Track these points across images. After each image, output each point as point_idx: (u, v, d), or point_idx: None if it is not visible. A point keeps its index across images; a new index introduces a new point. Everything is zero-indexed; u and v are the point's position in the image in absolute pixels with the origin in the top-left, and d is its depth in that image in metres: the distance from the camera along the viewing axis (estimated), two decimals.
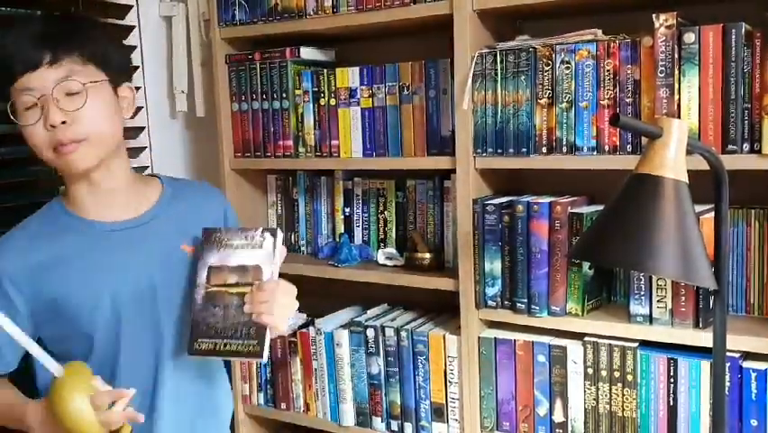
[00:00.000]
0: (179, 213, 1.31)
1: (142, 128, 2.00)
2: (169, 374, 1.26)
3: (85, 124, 1.16)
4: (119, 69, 1.25)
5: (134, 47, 1.95)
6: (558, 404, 1.57)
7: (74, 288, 1.20)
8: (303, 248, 2.01)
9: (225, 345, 1.17)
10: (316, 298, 2.03)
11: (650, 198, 1.08)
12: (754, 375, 1.38)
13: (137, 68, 1.96)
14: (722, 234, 1.18)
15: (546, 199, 1.55)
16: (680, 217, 1.08)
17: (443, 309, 1.80)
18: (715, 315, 1.21)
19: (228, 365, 1.55)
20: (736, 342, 1.37)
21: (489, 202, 1.59)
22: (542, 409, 1.59)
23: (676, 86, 1.37)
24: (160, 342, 1.25)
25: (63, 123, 1.14)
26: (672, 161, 1.09)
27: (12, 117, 1.17)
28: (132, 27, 1.96)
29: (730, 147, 1.35)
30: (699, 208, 1.42)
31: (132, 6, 1.96)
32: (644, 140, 1.40)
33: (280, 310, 1.19)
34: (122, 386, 1.14)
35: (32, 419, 1.15)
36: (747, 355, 1.41)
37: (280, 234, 1.22)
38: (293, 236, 2.03)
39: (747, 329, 1.40)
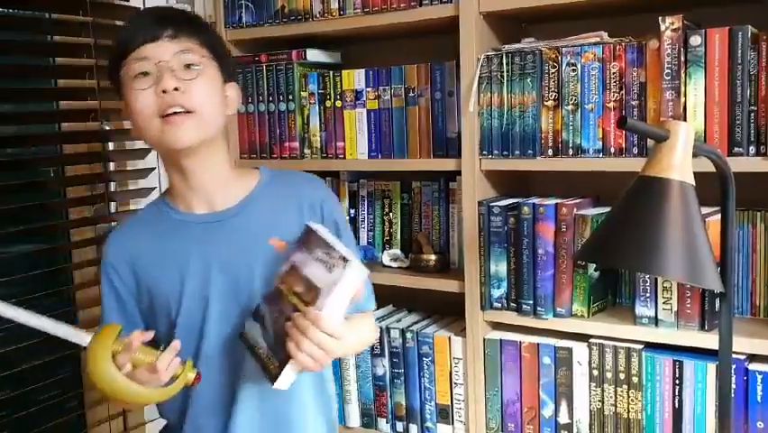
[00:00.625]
0: (272, 206, 1.27)
1: None
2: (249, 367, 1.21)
3: (195, 96, 1.17)
4: (228, 65, 1.27)
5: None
6: (563, 406, 1.58)
7: (161, 278, 1.23)
8: None
9: (260, 348, 1.10)
10: None
11: (656, 200, 1.08)
12: (759, 377, 1.38)
13: None
14: (728, 236, 1.18)
15: (552, 201, 1.55)
16: (686, 220, 1.08)
17: (448, 311, 1.81)
18: (721, 317, 1.21)
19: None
20: (742, 344, 1.37)
21: (494, 204, 1.60)
22: (547, 411, 1.59)
23: (682, 88, 1.38)
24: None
25: (176, 89, 1.15)
26: (679, 163, 1.09)
27: (117, 90, 1.22)
28: None
29: (736, 150, 1.35)
30: (705, 210, 1.42)
31: (139, 8, 1.96)
32: (650, 142, 1.40)
33: (311, 349, 1.04)
34: (205, 380, 1.17)
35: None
36: (753, 358, 1.41)
37: (354, 268, 1.01)
38: None
39: (753, 331, 1.40)
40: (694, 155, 1.10)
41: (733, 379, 1.40)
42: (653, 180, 1.09)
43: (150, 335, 1.12)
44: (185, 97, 1.15)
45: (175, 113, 1.15)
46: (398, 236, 1.88)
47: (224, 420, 1.23)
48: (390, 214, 1.89)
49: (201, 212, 1.25)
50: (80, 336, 1.09)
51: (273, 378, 1.06)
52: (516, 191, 1.69)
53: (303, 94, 1.86)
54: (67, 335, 1.10)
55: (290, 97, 1.87)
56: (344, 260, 1.02)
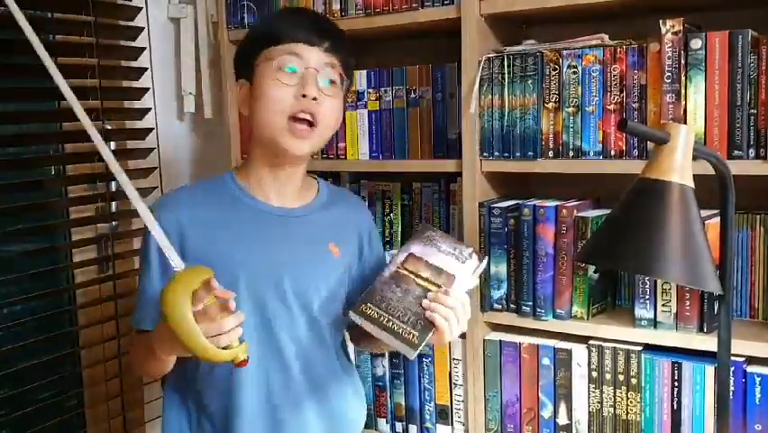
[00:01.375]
0: (333, 215, 1.36)
1: (150, 129, 2.00)
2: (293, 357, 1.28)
3: (325, 112, 1.24)
4: (349, 86, 1.36)
5: (143, 48, 1.96)
6: (562, 407, 1.58)
7: (218, 253, 1.22)
8: None
9: (388, 321, 1.19)
10: None
11: (656, 202, 1.09)
12: (758, 380, 1.38)
13: (146, 69, 1.96)
14: (728, 239, 1.19)
15: (552, 203, 1.56)
16: (686, 222, 1.09)
17: None
18: (720, 320, 1.21)
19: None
20: (741, 346, 1.37)
21: (495, 205, 1.60)
22: (546, 412, 1.60)
23: (682, 91, 1.38)
24: (291, 325, 1.28)
25: (314, 99, 1.21)
26: (679, 165, 1.09)
27: (249, 73, 1.26)
28: (141, 29, 1.97)
29: (736, 153, 1.36)
30: (704, 213, 1.42)
31: (142, 8, 1.97)
32: (650, 145, 1.41)
33: (453, 323, 1.20)
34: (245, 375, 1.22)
35: (154, 336, 1.15)
36: (751, 360, 1.42)
37: (484, 263, 1.29)
38: None
39: (751, 334, 1.40)
40: (694, 158, 1.11)
41: (731, 381, 1.40)
42: (653, 183, 1.10)
43: (231, 294, 1.09)
44: (318, 109, 1.22)
45: (303, 119, 1.21)
46: (399, 237, 1.88)
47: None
48: (391, 214, 1.89)
49: (277, 204, 1.31)
50: (177, 260, 1.09)
51: (414, 347, 1.18)
52: (517, 193, 1.69)
53: None
54: (168, 250, 1.09)
55: None
56: (479, 256, 1.28)
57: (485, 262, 1.29)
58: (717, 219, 1.30)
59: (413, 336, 1.18)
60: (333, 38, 1.26)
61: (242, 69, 1.29)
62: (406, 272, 1.25)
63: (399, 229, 1.88)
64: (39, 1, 1.79)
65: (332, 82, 1.25)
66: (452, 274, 1.24)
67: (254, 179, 1.31)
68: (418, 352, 1.18)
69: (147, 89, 1.97)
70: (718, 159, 1.17)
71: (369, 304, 1.21)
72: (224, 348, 1.05)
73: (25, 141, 1.85)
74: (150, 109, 1.99)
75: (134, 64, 1.97)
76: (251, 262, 1.24)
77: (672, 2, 1.43)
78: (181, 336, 1.02)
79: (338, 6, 1.74)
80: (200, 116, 2.16)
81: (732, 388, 1.40)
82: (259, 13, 1.87)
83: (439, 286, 1.22)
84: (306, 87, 1.20)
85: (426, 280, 1.24)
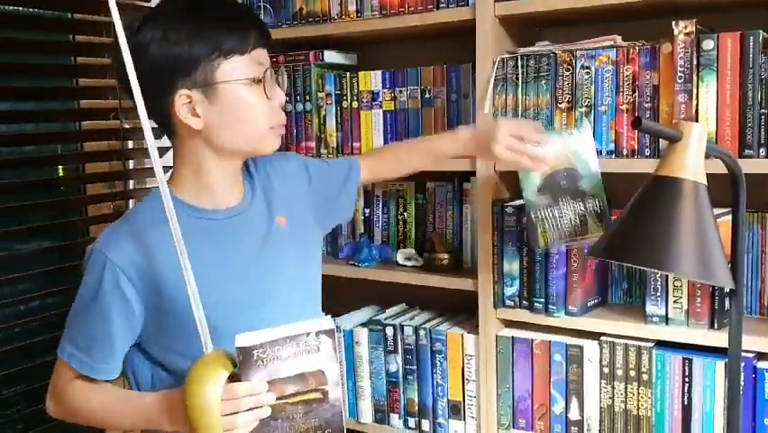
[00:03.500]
0: (266, 189, 1.31)
1: None
2: None
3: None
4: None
5: None
6: (574, 403, 1.60)
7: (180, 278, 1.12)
8: (324, 248, 2.05)
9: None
10: (337, 297, 2.07)
11: (670, 199, 1.11)
12: None
13: None
14: (739, 236, 1.21)
15: None
16: (698, 218, 1.11)
17: (460, 309, 1.83)
18: (731, 316, 1.23)
19: None
20: (751, 342, 1.39)
21: (508, 204, 1.63)
22: (558, 408, 1.62)
23: (694, 91, 1.41)
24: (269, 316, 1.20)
25: (279, 104, 1.22)
26: (692, 163, 1.12)
27: (202, 84, 1.13)
28: None
29: (747, 152, 1.38)
30: (716, 211, 1.45)
31: None
32: (662, 144, 1.43)
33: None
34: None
35: (160, 406, 1.10)
36: (761, 356, 1.44)
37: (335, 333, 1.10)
38: None
39: (762, 330, 1.42)
40: (706, 156, 1.14)
41: (741, 377, 1.42)
42: (667, 180, 1.12)
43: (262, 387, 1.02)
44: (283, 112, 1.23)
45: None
46: (413, 236, 1.91)
47: None
48: (405, 214, 1.92)
49: (221, 207, 1.23)
50: (207, 340, 1.02)
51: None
52: None
53: (320, 95, 1.89)
54: (204, 331, 1.02)
55: (307, 98, 1.91)
56: (327, 333, 1.03)
57: (335, 331, 1.12)
58: (729, 217, 1.33)
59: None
60: (269, 33, 1.22)
61: (181, 79, 1.13)
62: (274, 399, 1.03)
63: (413, 228, 1.91)
64: (59, 1, 1.83)
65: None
66: (318, 370, 1.03)
67: (201, 189, 1.21)
68: None
69: None
70: (731, 157, 1.19)
71: None
72: None
73: (45, 139, 1.89)
74: None
75: None
76: (209, 283, 1.12)
77: (686, 3, 1.45)
78: (196, 425, 0.99)
79: (354, 8, 1.77)
80: None
81: (742, 383, 1.42)
82: (275, 14, 1.90)
83: (316, 390, 1.04)
84: (282, 98, 1.21)
85: (297, 394, 1.04)
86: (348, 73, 1.86)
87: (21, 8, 1.81)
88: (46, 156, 1.91)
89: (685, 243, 1.09)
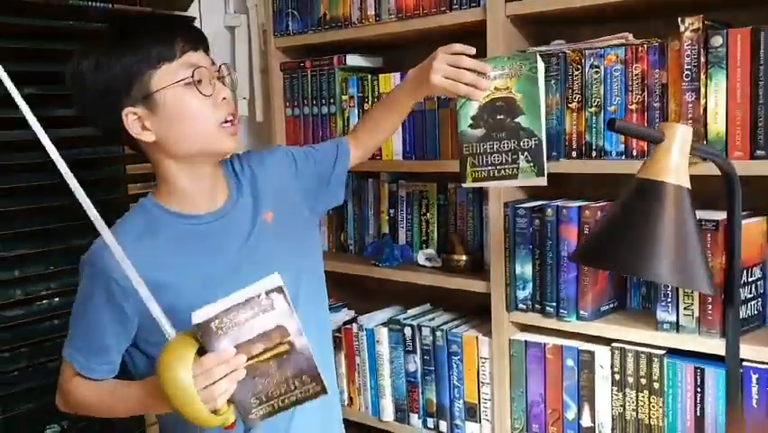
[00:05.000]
0: (252, 187, 1.34)
1: None
2: None
3: (233, 102, 1.25)
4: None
5: None
6: (586, 409, 1.57)
7: (181, 284, 1.18)
8: (351, 247, 2.08)
9: (283, 400, 1.12)
10: (363, 295, 2.11)
11: (651, 202, 1.08)
12: None
13: None
14: (735, 238, 1.16)
15: (575, 204, 1.55)
16: (680, 223, 1.07)
17: (481, 311, 1.82)
18: (728, 324, 1.19)
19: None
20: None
21: (519, 206, 1.61)
22: (570, 414, 1.59)
23: (702, 90, 1.35)
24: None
25: (224, 99, 1.22)
26: (674, 166, 1.08)
27: (141, 101, 1.18)
28: None
29: (758, 152, 1.32)
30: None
31: (196, 18, 2.09)
32: None
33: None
34: None
35: (142, 394, 1.16)
36: None
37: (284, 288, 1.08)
38: (342, 235, 2.10)
39: None
40: (704, 158, 1.09)
41: (755, 389, 1.36)
42: (648, 183, 1.09)
43: (230, 352, 1.06)
44: (232, 105, 1.24)
45: (230, 121, 1.22)
46: (435, 236, 1.92)
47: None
48: (427, 214, 1.93)
49: (207, 211, 1.27)
50: (168, 328, 1.07)
51: (324, 391, 1.12)
52: (546, 193, 1.69)
53: (344, 97, 1.93)
54: (163, 322, 1.07)
55: (332, 101, 1.95)
56: (276, 289, 1.05)
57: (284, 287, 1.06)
58: (751, 220, 1.29)
59: (312, 388, 1.12)
60: (202, 36, 1.25)
61: (122, 98, 1.18)
62: (244, 360, 1.07)
63: (436, 229, 1.91)
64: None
65: (219, 74, 1.25)
66: (278, 326, 1.07)
67: (180, 196, 1.25)
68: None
69: None
70: (722, 158, 1.15)
71: (253, 411, 1.12)
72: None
73: (90, 142, 2.00)
74: None
75: None
76: (207, 290, 1.13)
77: None
78: (178, 406, 1.03)
79: (372, 12, 1.80)
80: (253, 120, 2.26)
81: (756, 396, 1.36)
82: (302, 20, 1.95)
83: (282, 343, 1.08)
84: (223, 91, 1.21)
85: (265, 351, 1.08)
86: (369, 76, 1.89)
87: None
88: (91, 158, 2.02)
89: (664, 248, 1.06)
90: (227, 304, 1.05)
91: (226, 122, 1.22)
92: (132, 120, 1.19)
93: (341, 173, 1.48)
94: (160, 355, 1.05)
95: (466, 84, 1.29)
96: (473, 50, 1.30)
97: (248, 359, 1.07)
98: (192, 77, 1.18)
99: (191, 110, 1.19)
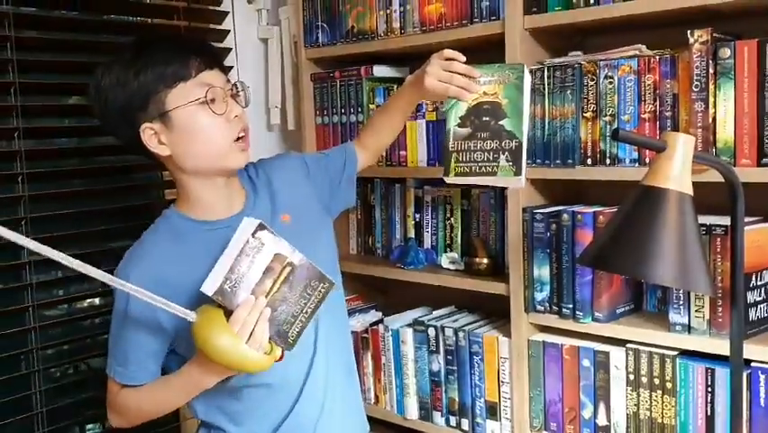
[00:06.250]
0: (269, 191, 1.41)
1: None
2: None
3: (246, 120, 1.32)
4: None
5: (231, 67, 2.19)
6: (602, 408, 1.62)
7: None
8: (378, 250, 2.16)
9: (306, 312, 1.21)
10: (391, 297, 2.19)
11: (653, 209, 1.14)
12: None
13: None
14: (738, 243, 1.21)
15: (590, 209, 1.61)
16: (681, 227, 1.13)
17: (503, 313, 1.88)
18: (732, 327, 1.23)
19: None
20: None
21: (537, 211, 1.67)
22: (587, 413, 1.64)
23: (711, 100, 1.40)
24: None
25: (236, 117, 1.29)
26: (677, 174, 1.14)
27: (157, 118, 1.25)
28: (230, 49, 2.19)
29: (765, 160, 1.36)
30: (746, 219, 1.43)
31: (230, 31, 2.20)
32: None
33: None
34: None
35: (194, 374, 1.23)
36: None
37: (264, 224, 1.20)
38: (370, 239, 2.18)
39: None
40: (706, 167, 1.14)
41: (764, 389, 1.40)
42: (652, 190, 1.15)
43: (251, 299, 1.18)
44: (244, 121, 1.31)
45: (241, 137, 1.29)
46: (458, 240, 1.98)
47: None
48: (451, 219, 1.99)
49: (225, 216, 1.33)
50: (186, 312, 1.16)
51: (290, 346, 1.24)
52: (567, 199, 1.74)
53: (371, 106, 2.01)
54: (178, 311, 1.17)
55: (360, 110, 2.03)
56: (258, 227, 1.17)
57: (263, 223, 1.19)
58: (759, 226, 1.33)
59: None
60: (219, 58, 1.33)
61: (140, 114, 1.26)
62: (269, 298, 1.19)
63: (459, 233, 1.98)
64: (136, 9, 2.03)
65: (234, 96, 1.30)
66: (275, 257, 1.19)
67: (200, 206, 1.32)
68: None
69: None
70: (725, 166, 1.20)
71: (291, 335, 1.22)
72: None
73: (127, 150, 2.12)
74: None
75: None
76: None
77: (722, 7, 1.43)
78: (237, 365, 1.16)
79: (398, 24, 1.87)
80: (285, 128, 2.35)
81: (763, 396, 1.40)
82: (331, 32, 2.03)
83: (284, 268, 1.19)
84: (234, 110, 1.27)
85: (275, 282, 1.19)
86: (395, 86, 1.96)
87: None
88: (131, 164, 2.13)
89: (666, 252, 1.11)
90: (227, 265, 1.17)
91: (238, 138, 1.29)
92: (150, 135, 1.27)
93: (351, 174, 1.56)
94: (197, 335, 1.15)
95: (457, 86, 1.36)
96: (464, 58, 1.38)
97: (266, 296, 1.18)
98: (206, 96, 1.25)
99: (204, 128, 1.26)
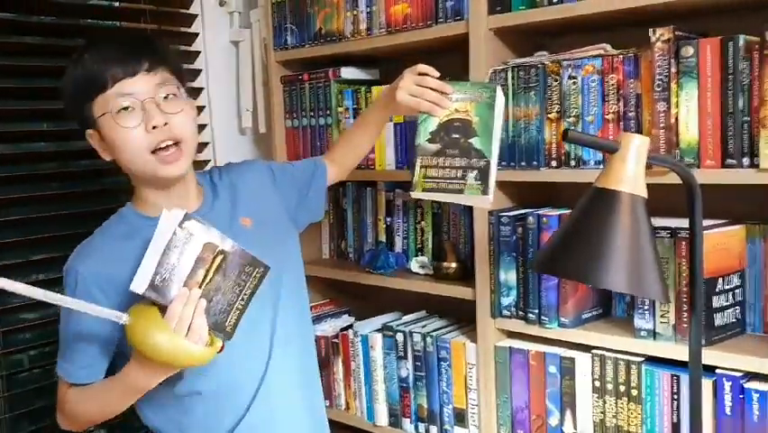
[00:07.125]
0: (231, 194, 1.39)
1: (206, 143, 2.19)
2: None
3: (181, 128, 1.25)
4: (187, 86, 1.38)
5: (200, 70, 2.16)
6: (568, 415, 1.58)
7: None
8: (351, 255, 2.13)
9: (242, 299, 1.19)
10: (364, 302, 2.15)
11: (605, 212, 1.11)
12: (756, 396, 1.33)
13: (201, 89, 2.16)
14: (697, 246, 1.17)
15: (557, 212, 1.57)
16: (634, 231, 1.09)
17: (473, 318, 1.84)
18: (690, 332, 1.20)
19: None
20: (743, 362, 1.34)
21: (503, 214, 1.64)
22: (553, 420, 1.61)
23: (673, 99, 1.37)
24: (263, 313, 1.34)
25: (165, 124, 1.23)
26: (630, 175, 1.11)
27: (80, 122, 1.27)
28: (198, 53, 2.16)
29: (729, 161, 1.33)
30: (710, 222, 1.40)
31: (199, 34, 2.17)
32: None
33: None
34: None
35: (132, 376, 1.20)
36: (754, 376, 1.36)
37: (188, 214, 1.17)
38: (342, 243, 2.15)
39: (758, 349, 1.36)
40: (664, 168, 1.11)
41: (728, 397, 1.36)
42: (604, 192, 1.12)
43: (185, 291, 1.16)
44: (173, 131, 1.24)
45: (166, 146, 1.23)
46: (429, 244, 1.95)
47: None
48: (422, 222, 1.96)
49: None
50: (116, 315, 1.13)
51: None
52: (535, 202, 1.71)
53: (339, 109, 1.98)
54: (107, 315, 1.14)
55: (328, 113, 2.00)
56: (185, 218, 1.14)
57: (190, 214, 1.17)
58: (724, 229, 1.30)
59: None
60: (151, 55, 1.25)
61: (81, 122, 1.27)
62: (203, 288, 1.16)
63: (430, 237, 1.94)
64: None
65: (171, 96, 1.25)
66: (205, 247, 1.16)
67: (150, 204, 1.31)
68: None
69: (203, 107, 2.16)
70: (682, 168, 1.17)
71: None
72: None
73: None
74: (206, 125, 2.17)
75: (193, 85, 2.17)
76: None
77: (685, 5, 1.41)
78: (178, 362, 1.13)
79: (364, 26, 1.85)
80: (256, 131, 2.32)
81: (729, 403, 1.36)
82: (299, 34, 2.01)
83: (215, 256, 1.17)
84: (153, 120, 1.21)
85: (207, 273, 1.17)
86: (362, 88, 1.94)
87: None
88: (101, 168, 2.10)
89: (618, 256, 1.08)
90: (154, 259, 1.13)
91: (160, 149, 1.23)
92: (95, 140, 1.29)
93: (320, 188, 1.54)
94: (132, 337, 1.12)
95: (429, 102, 1.35)
96: (437, 73, 1.37)
97: (199, 287, 1.15)
98: (110, 109, 1.22)
99: (115, 140, 1.24)
